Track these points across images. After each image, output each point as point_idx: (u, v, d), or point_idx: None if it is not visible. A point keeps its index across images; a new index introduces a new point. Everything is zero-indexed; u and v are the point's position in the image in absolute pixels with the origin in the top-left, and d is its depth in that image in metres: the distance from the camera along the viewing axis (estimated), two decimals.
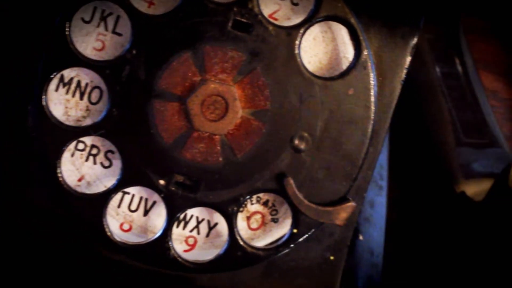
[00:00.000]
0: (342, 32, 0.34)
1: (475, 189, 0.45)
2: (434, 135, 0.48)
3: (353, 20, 0.33)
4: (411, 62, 0.50)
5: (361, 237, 0.40)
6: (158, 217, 0.34)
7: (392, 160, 0.48)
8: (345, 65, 0.34)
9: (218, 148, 0.33)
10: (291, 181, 0.33)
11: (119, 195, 0.34)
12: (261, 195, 0.35)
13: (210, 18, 0.32)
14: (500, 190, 0.39)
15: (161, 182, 0.33)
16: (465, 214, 0.43)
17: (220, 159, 0.33)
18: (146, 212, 0.34)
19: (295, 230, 0.34)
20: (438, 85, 0.50)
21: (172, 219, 0.33)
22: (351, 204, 0.34)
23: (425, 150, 0.49)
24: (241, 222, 0.35)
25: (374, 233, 0.40)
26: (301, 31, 0.33)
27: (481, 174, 0.47)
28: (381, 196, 0.41)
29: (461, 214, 0.44)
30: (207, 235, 0.35)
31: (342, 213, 0.34)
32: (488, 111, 0.51)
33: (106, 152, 0.34)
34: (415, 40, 0.35)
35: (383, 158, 0.42)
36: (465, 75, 0.52)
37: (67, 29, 0.32)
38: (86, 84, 0.33)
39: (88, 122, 0.33)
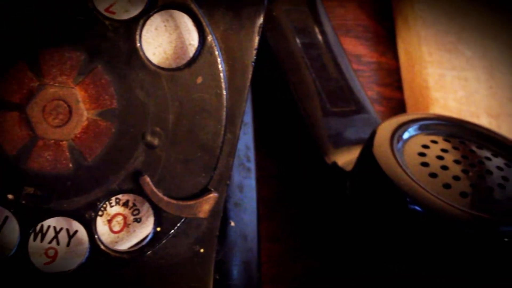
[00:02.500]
0: (184, 19, 0.35)
1: (346, 158, 0.46)
2: (301, 107, 0.49)
3: (192, 6, 0.33)
4: (273, 36, 0.51)
5: (232, 223, 0.40)
6: (13, 233, 0.34)
7: (263, 137, 0.49)
8: (192, 53, 0.34)
9: (67, 154, 0.33)
10: (148, 179, 0.33)
11: None
12: (120, 196, 0.35)
13: (41, 18, 0.32)
14: (366, 157, 0.40)
15: (10, 196, 0.33)
16: (338, 185, 0.44)
17: (70, 165, 0.33)
18: None
19: (158, 229, 0.35)
20: (300, 56, 0.51)
21: (26, 233, 0.33)
22: (213, 195, 0.34)
23: (294, 124, 0.50)
24: (102, 226, 0.35)
25: (246, 217, 0.41)
26: (141, 22, 0.33)
27: (351, 142, 0.48)
28: (250, 178, 0.42)
29: (335, 185, 0.45)
30: (68, 245, 0.35)
31: (205, 205, 0.34)
32: (352, 78, 0.53)
33: None
34: (261, 19, 0.35)
35: (248, 140, 0.43)
36: (326, 44, 0.53)
37: None
38: None
39: None
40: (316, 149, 0.47)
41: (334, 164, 0.46)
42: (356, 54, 0.58)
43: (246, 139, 0.42)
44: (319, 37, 0.52)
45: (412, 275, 0.39)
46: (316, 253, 0.50)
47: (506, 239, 0.36)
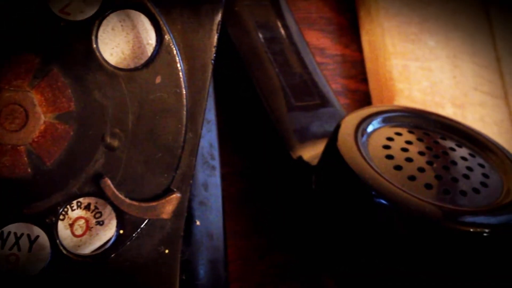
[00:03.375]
0: (142, 18, 0.34)
1: (311, 152, 0.46)
2: (265, 103, 0.49)
3: (149, 5, 0.33)
4: (235, 32, 0.51)
5: (197, 223, 0.40)
6: None
7: (229, 134, 0.49)
8: (150, 52, 0.34)
9: (25, 159, 0.32)
10: (109, 181, 0.33)
11: None
12: (81, 200, 0.35)
13: None
14: (331, 152, 0.41)
15: None
16: (304, 180, 0.44)
17: (29, 170, 0.32)
18: None
19: (121, 231, 0.34)
20: (263, 51, 0.51)
21: None
22: (176, 195, 0.34)
23: (259, 120, 0.50)
24: (64, 230, 0.35)
25: (211, 216, 0.41)
26: (97, 23, 0.33)
27: (316, 136, 0.48)
28: (214, 176, 0.42)
29: (301, 179, 0.45)
30: (30, 250, 0.34)
31: (168, 206, 0.34)
32: (316, 71, 0.53)
33: None
34: (219, 17, 0.35)
35: (212, 137, 0.43)
36: (289, 38, 0.53)
37: None
38: None
39: None
40: (282, 144, 0.47)
41: (300, 158, 0.46)
42: (320, 47, 0.58)
43: (210, 137, 0.42)
44: (282, 31, 0.53)
45: (380, 268, 0.39)
46: (284, 248, 0.50)
47: (471, 230, 0.36)
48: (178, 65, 0.34)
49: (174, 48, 0.33)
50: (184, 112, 0.34)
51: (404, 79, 0.56)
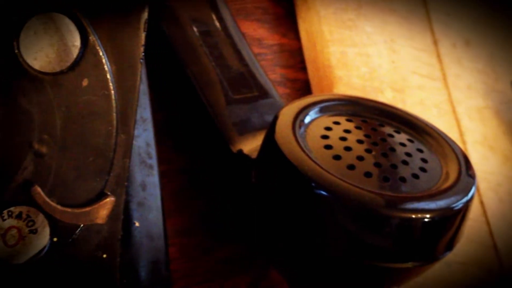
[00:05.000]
0: (65, 21, 0.34)
1: (251, 145, 0.46)
2: (203, 97, 0.49)
3: (71, 7, 0.32)
4: (169, 27, 0.50)
5: (137, 224, 0.40)
6: None
7: (169, 130, 0.49)
8: (76, 54, 0.34)
9: None
10: (39, 189, 0.33)
11: None
12: (12, 209, 0.34)
13: None
14: (269, 144, 0.40)
15: None
16: (244, 173, 0.44)
17: None
18: None
19: (55, 239, 0.34)
20: (199, 45, 0.51)
21: None
22: (110, 199, 0.34)
23: (198, 114, 0.49)
24: None
25: (151, 216, 0.41)
26: (18, 28, 0.32)
27: (256, 129, 0.48)
28: (152, 176, 0.42)
29: (241, 173, 0.45)
30: None
31: (102, 211, 0.34)
32: (253, 63, 0.52)
33: None
34: (146, 15, 0.35)
35: (149, 136, 0.42)
36: (224, 30, 0.52)
37: None
38: None
39: None
40: (221, 138, 0.47)
41: (240, 152, 0.46)
42: (257, 37, 0.58)
43: (146, 136, 0.42)
44: (217, 24, 0.52)
45: (325, 258, 0.39)
46: (230, 243, 0.50)
47: (412, 216, 0.37)
48: (105, 66, 0.33)
49: (100, 49, 0.33)
50: (114, 114, 0.33)
51: (342, 66, 0.56)
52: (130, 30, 0.34)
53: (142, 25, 0.34)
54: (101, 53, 0.33)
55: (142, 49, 0.34)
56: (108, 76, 0.33)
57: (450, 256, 0.48)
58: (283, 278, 0.47)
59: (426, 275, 0.43)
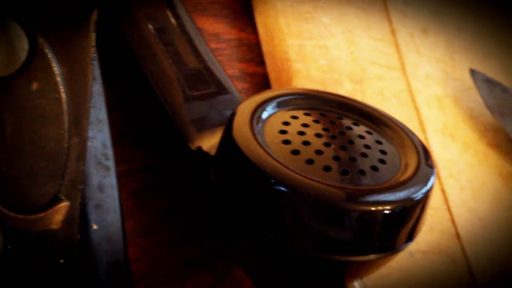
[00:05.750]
0: (13, 24, 0.33)
1: (211, 142, 0.46)
2: (160, 95, 0.48)
3: (18, 9, 0.32)
4: (125, 25, 0.50)
5: (95, 227, 0.39)
6: None
7: (128, 130, 0.48)
8: (24, 58, 0.33)
9: None
10: None
11: None
12: None
13: None
14: (227, 141, 0.40)
15: None
16: (204, 170, 0.44)
17: None
18: None
19: (9, 246, 0.33)
20: (155, 43, 0.50)
21: None
22: (64, 204, 0.33)
23: (156, 113, 0.49)
24: None
25: (109, 218, 0.40)
26: None
27: (214, 125, 0.48)
28: (109, 177, 0.41)
29: (201, 170, 0.45)
30: None
31: (56, 216, 0.33)
32: (210, 59, 0.52)
33: None
34: (95, 15, 0.34)
35: (105, 137, 0.42)
36: (180, 27, 0.52)
37: None
38: None
39: None
40: (180, 136, 0.47)
41: (199, 149, 0.45)
42: (214, 32, 0.57)
43: (102, 137, 0.41)
44: (173, 20, 0.52)
45: (288, 254, 0.39)
46: (193, 241, 0.49)
47: (372, 209, 0.37)
48: (55, 69, 0.32)
49: (49, 52, 0.32)
50: (66, 117, 0.33)
51: (301, 59, 0.56)
52: (80, 31, 0.33)
53: (92, 26, 0.33)
54: (50, 56, 0.32)
55: (93, 50, 0.34)
56: (58, 79, 0.32)
57: (413, 246, 0.48)
58: (246, 275, 0.46)
59: (390, 265, 0.43)
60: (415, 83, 0.60)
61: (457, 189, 0.55)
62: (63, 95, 0.33)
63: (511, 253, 0.54)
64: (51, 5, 0.32)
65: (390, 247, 0.39)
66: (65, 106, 0.33)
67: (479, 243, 0.53)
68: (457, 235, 0.53)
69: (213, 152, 0.44)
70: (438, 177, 0.55)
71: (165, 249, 0.48)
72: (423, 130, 0.57)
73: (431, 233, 0.52)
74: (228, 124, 0.41)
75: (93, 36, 0.34)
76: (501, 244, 0.54)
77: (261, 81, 0.58)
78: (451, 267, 0.51)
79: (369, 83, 0.57)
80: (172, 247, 0.49)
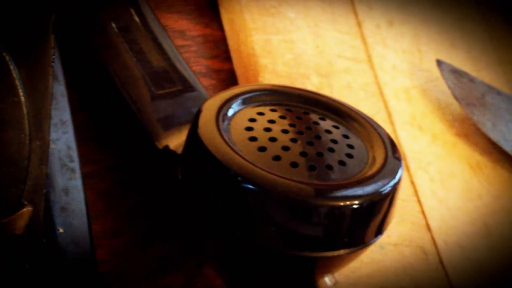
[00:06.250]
0: None
1: (178, 140, 0.45)
2: (125, 95, 0.48)
3: None
4: (88, 25, 0.49)
5: (61, 230, 0.39)
6: None
7: (96, 130, 0.48)
8: None
9: None
10: None
11: None
12: None
13: None
14: (193, 139, 0.40)
15: None
16: (172, 169, 0.43)
17: None
18: None
19: None
20: (119, 42, 0.50)
21: None
22: (27, 209, 0.33)
23: (122, 113, 0.48)
24: None
25: (75, 221, 0.40)
26: None
27: (181, 123, 0.48)
28: (75, 179, 0.41)
29: (169, 169, 0.44)
30: None
31: (19, 221, 0.33)
32: (176, 56, 0.52)
33: None
34: (53, 16, 0.33)
35: (69, 139, 0.41)
36: (144, 25, 0.52)
37: None
38: None
39: None
40: (146, 135, 0.46)
41: (166, 148, 0.45)
42: (179, 29, 0.57)
43: (66, 139, 0.41)
44: (136, 19, 0.51)
45: (258, 252, 0.39)
46: (163, 241, 0.49)
47: (341, 204, 0.37)
48: (13, 72, 0.32)
49: (6, 56, 0.32)
50: (26, 121, 0.32)
51: (267, 54, 0.55)
52: (38, 33, 0.32)
53: (50, 27, 0.33)
54: (8, 59, 0.32)
55: (52, 51, 0.33)
56: (17, 83, 0.32)
57: (384, 238, 0.48)
58: (217, 274, 0.46)
59: (361, 259, 0.43)
60: (382, 75, 0.60)
61: (426, 180, 0.56)
62: (23, 99, 0.32)
63: (480, 242, 0.54)
64: (8, 8, 0.32)
65: (359, 241, 0.39)
66: (25, 110, 0.32)
67: (449, 233, 0.53)
68: (427, 226, 0.53)
69: (180, 150, 0.44)
70: (407, 169, 0.55)
71: (135, 249, 0.48)
72: (391, 122, 0.57)
73: (401, 225, 0.52)
74: (194, 122, 0.41)
75: (52, 38, 0.33)
76: (471, 233, 0.55)
77: (228, 77, 0.57)
78: (422, 258, 0.51)
79: (336, 76, 0.57)
80: (142, 247, 0.48)
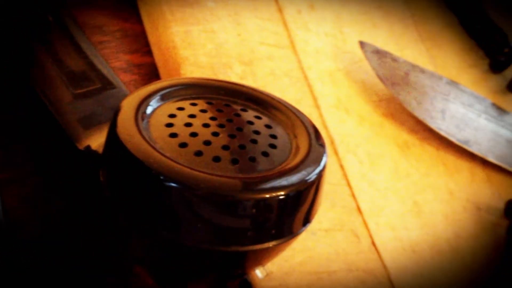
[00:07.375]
0: None
1: (100, 140, 0.44)
2: (43, 96, 0.47)
3: None
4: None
5: None
6: None
7: (15, 136, 0.46)
8: None
9: None
10: None
11: None
12: None
13: None
14: (112, 139, 0.39)
15: None
16: (94, 170, 0.42)
17: None
18: None
19: None
20: (35, 41, 0.48)
21: None
22: None
23: (40, 115, 0.47)
24: None
25: None
26: None
27: (102, 122, 0.47)
28: None
29: (91, 170, 0.43)
30: None
31: None
32: (93, 53, 0.50)
33: None
34: None
35: None
36: (58, 23, 0.50)
37: None
38: None
39: None
40: (66, 136, 0.45)
41: (88, 148, 0.44)
42: (97, 25, 0.55)
43: None
44: (50, 18, 0.50)
45: (187, 249, 0.38)
46: (92, 245, 0.48)
47: (267, 196, 0.36)
48: None
49: None
50: None
51: (187, 46, 0.54)
52: None
53: None
54: None
55: None
56: None
57: (315, 225, 0.48)
58: (148, 274, 0.45)
59: (293, 247, 0.43)
60: (306, 59, 0.59)
61: (355, 163, 0.55)
62: None
63: (411, 221, 0.55)
64: None
65: (287, 232, 0.39)
66: None
67: (380, 214, 0.53)
68: (358, 209, 0.53)
69: (101, 150, 0.42)
70: (336, 153, 0.55)
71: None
72: (317, 106, 0.57)
73: (332, 210, 0.52)
74: (112, 122, 0.40)
75: None
76: (401, 212, 0.55)
77: (150, 72, 0.56)
78: (355, 242, 0.51)
79: (259, 64, 0.57)
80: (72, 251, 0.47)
